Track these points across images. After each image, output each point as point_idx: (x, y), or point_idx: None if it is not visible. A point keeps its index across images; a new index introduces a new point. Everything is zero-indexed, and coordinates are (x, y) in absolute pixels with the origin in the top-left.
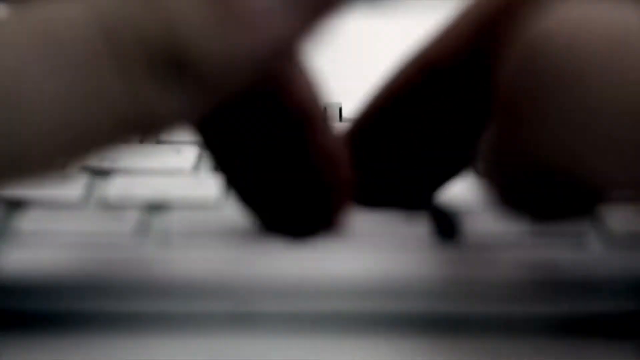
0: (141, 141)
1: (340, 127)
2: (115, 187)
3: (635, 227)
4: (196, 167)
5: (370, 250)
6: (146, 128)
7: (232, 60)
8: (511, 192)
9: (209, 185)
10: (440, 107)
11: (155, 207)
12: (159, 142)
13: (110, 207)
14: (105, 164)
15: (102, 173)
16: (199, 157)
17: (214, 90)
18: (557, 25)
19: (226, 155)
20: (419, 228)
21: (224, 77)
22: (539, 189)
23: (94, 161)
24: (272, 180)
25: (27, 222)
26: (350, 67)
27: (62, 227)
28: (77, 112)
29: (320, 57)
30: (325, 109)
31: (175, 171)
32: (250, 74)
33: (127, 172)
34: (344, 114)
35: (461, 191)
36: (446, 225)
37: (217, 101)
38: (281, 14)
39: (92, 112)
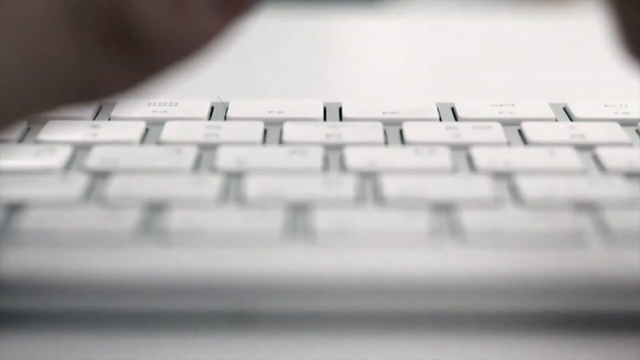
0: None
1: None
2: (115, 187)
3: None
4: (196, 167)
5: (370, 249)
6: (96, 93)
7: (172, 42)
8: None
9: (209, 185)
10: None
11: (155, 207)
12: (158, 142)
13: (110, 207)
14: (105, 163)
15: (102, 173)
16: (199, 157)
17: (154, 63)
18: None
19: None
20: (414, 225)
21: (164, 54)
22: None
23: (94, 161)
24: None
25: (27, 222)
26: (350, 67)
27: (62, 227)
28: (35, 79)
29: (321, 57)
30: None
31: (175, 171)
32: (184, 56)
33: (127, 172)
34: (344, 114)
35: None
36: None
37: (155, 76)
38: (212, 13)
39: (50, 78)
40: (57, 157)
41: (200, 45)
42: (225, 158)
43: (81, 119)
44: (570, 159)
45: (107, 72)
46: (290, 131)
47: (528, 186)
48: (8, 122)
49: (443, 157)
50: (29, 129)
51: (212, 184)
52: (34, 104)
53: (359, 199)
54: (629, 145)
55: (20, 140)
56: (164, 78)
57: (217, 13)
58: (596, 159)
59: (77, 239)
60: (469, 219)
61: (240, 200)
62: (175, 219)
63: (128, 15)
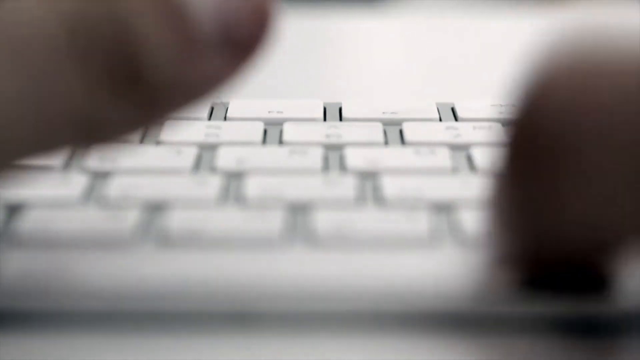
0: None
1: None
2: (115, 187)
3: None
4: (196, 167)
5: (370, 249)
6: (98, 133)
7: (179, 86)
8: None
9: (209, 186)
10: None
11: (155, 207)
12: (158, 142)
13: (110, 207)
14: (105, 163)
15: (102, 173)
16: (199, 157)
17: (159, 107)
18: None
19: None
20: (414, 225)
21: (170, 99)
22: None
23: (94, 161)
24: None
25: (27, 222)
26: (350, 67)
27: (62, 227)
28: (35, 114)
29: (321, 57)
30: None
31: (175, 171)
32: (192, 100)
33: (127, 172)
34: (344, 114)
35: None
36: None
37: (161, 117)
38: (217, 53)
39: (52, 115)
40: (57, 157)
41: (208, 89)
42: (225, 158)
43: None
44: None
45: (112, 112)
46: (290, 131)
47: None
48: (4, 163)
49: (443, 157)
50: None
51: (212, 184)
52: (34, 144)
53: (359, 200)
54: None
55: None
56: (170, 119)
57: (225, 57)
58: None
59: (77, 239)
60: (470, 219)
61: (240, 200)
62: (175, 220)
63: (134, 56)
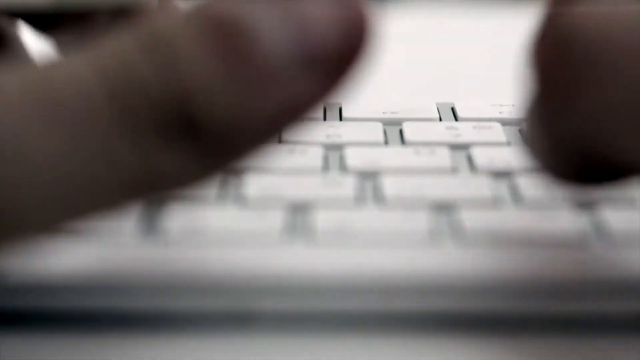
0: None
1: None
2: None
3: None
4: None
5: (370, 249)
6: (156, 190)
7: (247, 123)
8: (554, 162)
9: (210, 185)
10: None
11: (155, 207)
12: None
13: None
14: None
15: None
16: None
17: (226, 153)
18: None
19: None
20: (414, 225)
21: (238, 141)
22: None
23: None
24: None
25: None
26: None
27: None
28: (81, 175)
29: None
30: None
31: None
32: (265, 138)
33: None
34: (344, 113)
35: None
36: None
37: (229, 164)
38: (299, 75)
39: (97, 175)
40: None
41: (296, 115)
42: None
43: None
44: None
45: (168, 166)
46: (290, 131)
47: (528, 186)
48: (50, 225)
49: (443, 157)
50: None
51: (211, 184)
52: (83, 206)
53: (359, 199)
54: None
55: None
56: (242, 164)
57: (314, 77)
58: None
59: (75, 237)
60: (469, 219)
61: (240, 200)
62: (175, 219)
63: (180, 97)
